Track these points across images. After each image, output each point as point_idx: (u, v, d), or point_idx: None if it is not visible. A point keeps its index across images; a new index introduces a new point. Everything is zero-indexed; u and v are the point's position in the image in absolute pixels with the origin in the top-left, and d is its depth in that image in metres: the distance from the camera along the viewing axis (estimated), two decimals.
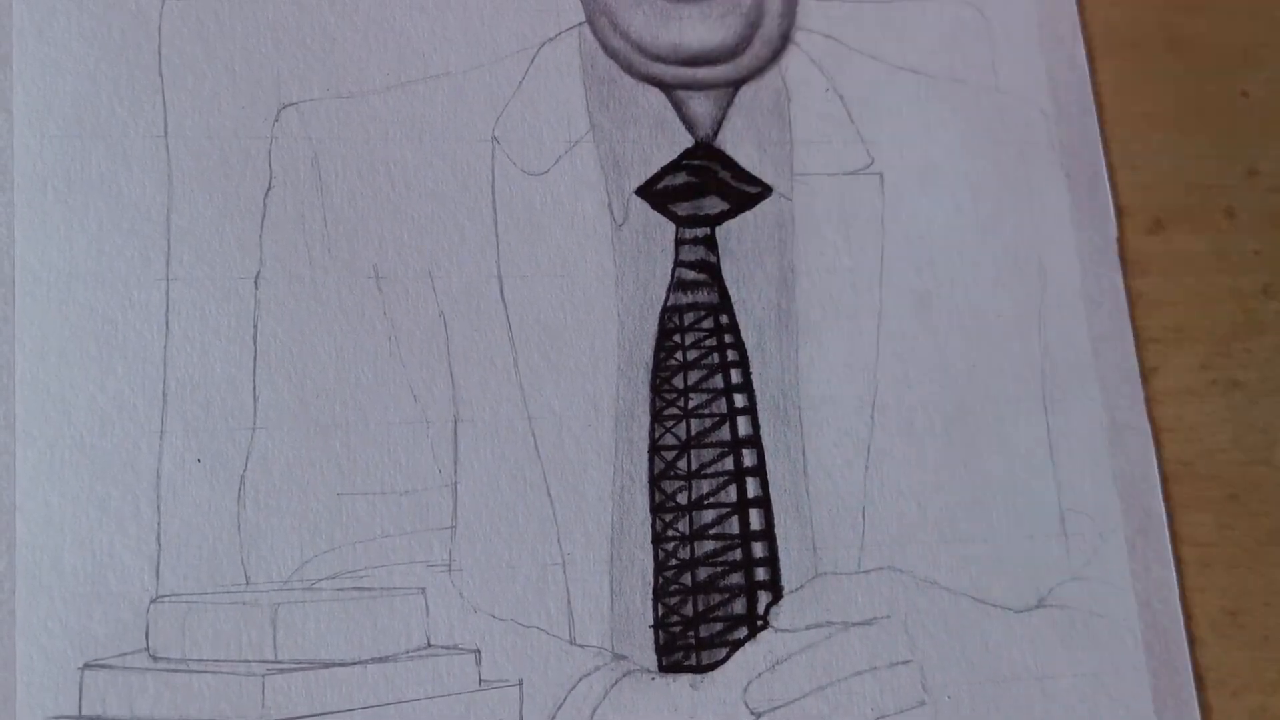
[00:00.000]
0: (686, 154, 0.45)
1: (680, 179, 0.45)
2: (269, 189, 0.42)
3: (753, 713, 0.41)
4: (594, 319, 0.43)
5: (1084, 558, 0.45)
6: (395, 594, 0.40)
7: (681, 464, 0.43)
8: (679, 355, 0.44)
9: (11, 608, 0.38)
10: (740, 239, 0.45)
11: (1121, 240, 0.49)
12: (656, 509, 0.42)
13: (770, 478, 0.43)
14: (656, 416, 0.43)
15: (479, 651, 0.40)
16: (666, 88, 0.45)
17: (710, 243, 0.44)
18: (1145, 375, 0.47)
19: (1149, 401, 0.47)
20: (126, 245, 0.40)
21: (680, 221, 0.44)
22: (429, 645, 0.40)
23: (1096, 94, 0.50)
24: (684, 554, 0.42)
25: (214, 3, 0.42)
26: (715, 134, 0.46)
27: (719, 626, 0.42)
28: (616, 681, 0.41)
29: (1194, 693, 0.44)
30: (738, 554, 0.43)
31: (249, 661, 0.39)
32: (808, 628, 0.42)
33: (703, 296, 0.44)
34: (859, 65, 0.48)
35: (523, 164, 0.44)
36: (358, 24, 0.43)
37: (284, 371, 0.41)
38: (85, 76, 0.41)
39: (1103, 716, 0.43)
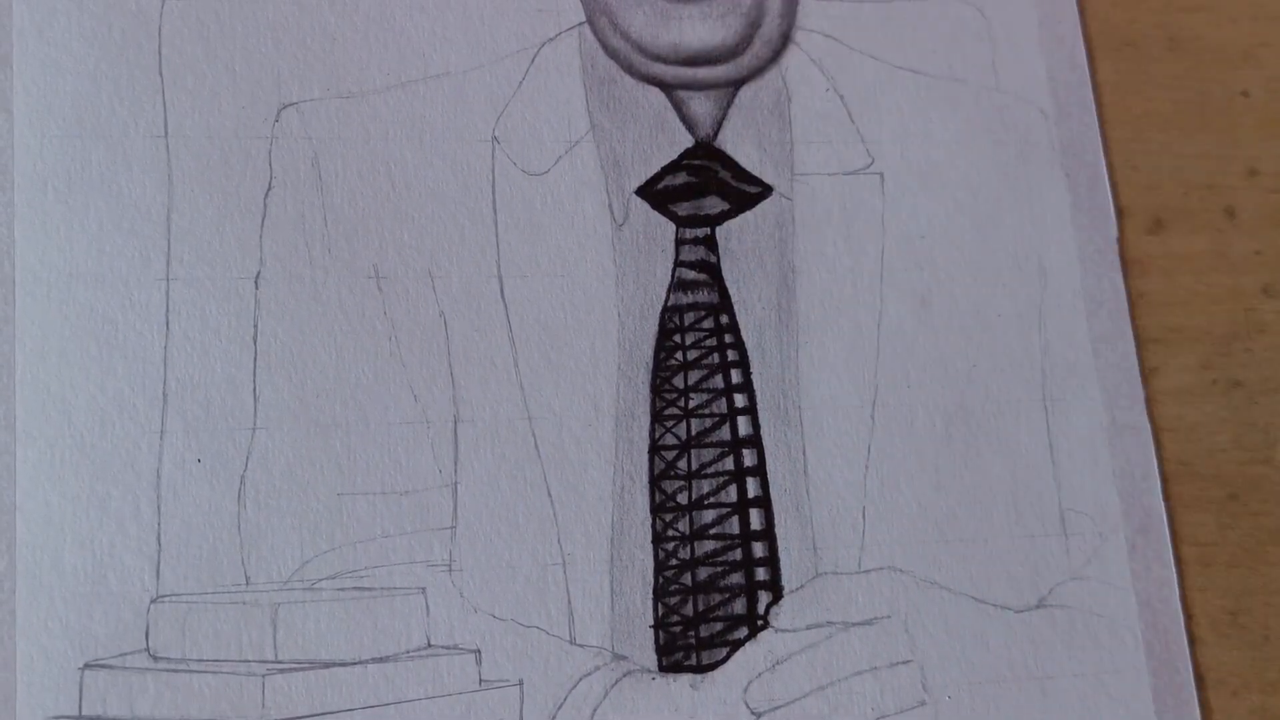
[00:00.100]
0: (687, 154, 0.45)
1: (680, 179, 0.45)
2: (269, 189, 0.42)
3: (753, 713, 0.41)
4: (594, 319, 0.43)
5: (1084, 558, 0.45)
6: (395, 594, 0.40)
7: (682, 464, 0.43)
8: (679, 355, 0.44)
9: (11, 608, 0.38)
10: (740, 239, 0.45)
11: (1121, 240, 0.49)
12: (657, 509, 0.42)
13: (770, 478, 0.43)
14: (657, 416, 0.43)
15: (479, 651, 0.40)
16: (666, 88, 0.45)
17: (710, 243, 0.44)
18: (1145, 375, 0.47)
19: (1149, 401, 0.47)
20: (126, 245, 0.40)
21: (680, 221, 0.44)
22: (429, 645, 0.40)
23: (1096, 94, 0.50)
24: (684, 554, 0.42)
25: (214, 3, 0.42)
26: (715, 134, 0.46)
27: (719, 626, 0.42)
28: (616, 681, 0.41)
29: (1194, 693, 0.44)
30: (738, 554, 0.43)
31: (249, 661, 0.39)
32: (808, 628, 0.42)
33: (703, 296, 0.44)
34: (859, 65, 0.48)
35: (523, 164, 0.44)
36: (358, 24, 0.43)
37: (284, 371, 0.41)
38: (85, 76, 0.41)
39: (1103, 716, 0.43)
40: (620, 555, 0.42)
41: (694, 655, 0.42)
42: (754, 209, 0.45)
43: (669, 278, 0.44)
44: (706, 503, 0.43)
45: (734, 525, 0.43)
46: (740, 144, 0.46)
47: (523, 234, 0.43)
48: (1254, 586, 0.46)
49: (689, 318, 0.44)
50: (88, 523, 0.39)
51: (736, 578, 0.43)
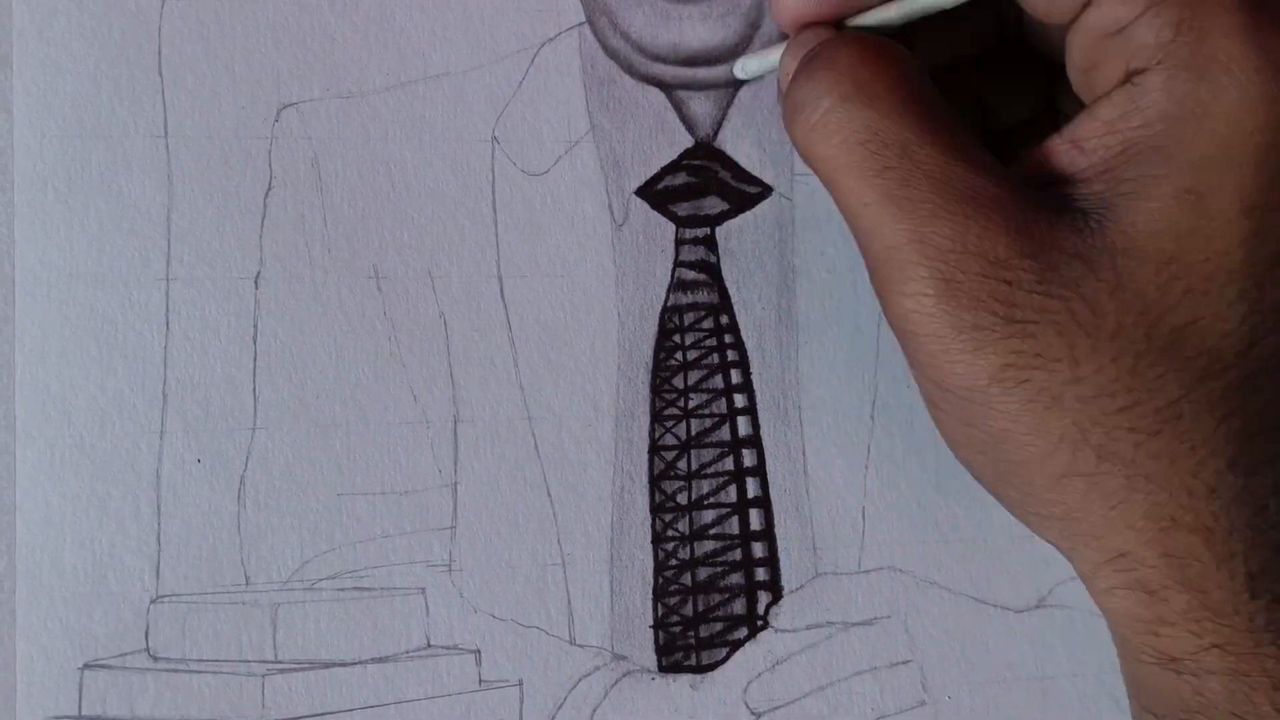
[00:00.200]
0: (686, 154, 0.45)
1: (680, 179, 0.45)
2: (269, 189, 0.42)
3: (753, 713, 0.41)
4: (594, 319, 0.43)
5: None
6: (395, 594, 0.40)
7: (681, 464, 0.43)
8: (679, 355, 0.44)
9: (11, 608, 0.38)
10: (740, 239, 0.45)
11: None
12: (656, 509, 0.42)
13: (770, 478, 0.43)
14: (656, 416, 0.43)
15: (479, 651, 0.40)
16: (666, 88, 0.45)
17: (710, 243, 0.44)
18: None
19: None
20: (126, 245, 0.40)
21: (680, 221, 0.44)
22: (429, 645, 0.40)
23: None
24: (684, 554, 0.42)
25: (214, 3, 0.42)
26: (715, 134, 0.46)
27: (719, 626, 0.42)
28: (616, 681, 0.41)
29: None
30: (738, 554, 0.43)
31: (249, 661, 0.39)
32: (808, 628, 0.42)
33: (703, 296, 0.44)
34: None
35: (523, 164, 0.44)
36: (358, 24, 0.43)
37: (284, 371, 0.41)
38: (85, 76, 0.41)
39: (1103, 716, 0.43)
40: (620, 555, 0.42)
41: (694, 655, 0.42)
42: (754, 209, 0.45)
43: (669, 278, 0.44)
44: (706, 503, 0.43)
45: (734, 525, 0.43)
46: (740, 144, 0.46)
47: (522, 234, 0.43)
48: None
49: (689, 318, 0.44)
50: (88, 523, 0.39)
51: (736, 578, 0.43)
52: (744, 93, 0.46)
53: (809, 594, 0.43)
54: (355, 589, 0.40)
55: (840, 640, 0.42)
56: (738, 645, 0.42)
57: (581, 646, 0.41)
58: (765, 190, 0.46)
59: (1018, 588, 0.44)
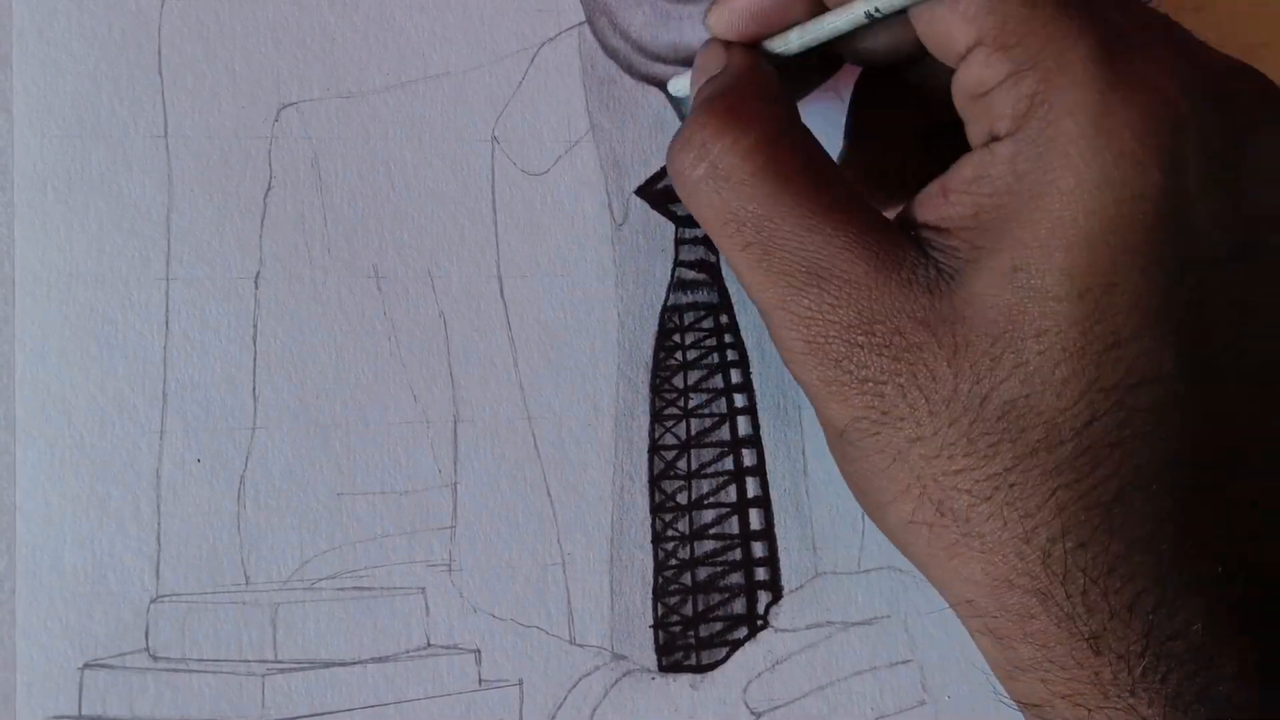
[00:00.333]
0: None
1: None
2: (269, 189, 0.42)
3: (753, 712, 0.41)
4: (594, 319, 0.43)
5: None
6: (395, 594, 0.40)
7: (681, 464, 0.43)
8: (679, 355, 0.44)
9: (11, 608, 0.38)
10: None
11: None
12: (656, 509, 0.42)
13: (770, 478, 0.43)
14: (656, 416, 0.43)
15: (479, 651, 0.40)
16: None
17: (710, 242, 0.44)
18: None
19: None
20: (126, 245, 0.40)
21: (680, 221, 0.44)
22: (429, 645, 0.40)
23: None
24: (684, 554, 0.42)
25: (214, 3, 0.42)
26: None
27: (719, 626, 0.42)
28: (616, 681, 0.41)
29: None
30: (738, 554, 0.43)
31: (249, 661, 0.39)
32: (808, 627, 0.42)
33: (703, 296, 0.44)
34: None
35: (523, 164, 0.44)
36: (358, 24, 0.43)
37: (284, 371, 0.41)
38: (85, 76, 0.41)
39: None
40: (620, 555, 0.42)
41: (694, 655, 0.42)
42: None
43: (669, 277, 0.44)
44: (706, 502, 0.43)
45: (734, 525, 0.43)
46: None
47: (522, 234, 0.43)
48: None
49: (689, 317, 0.44)
50: (88, 523, 0.39)
51: (736, 578, 0.43)
52: None
53: (809, 594, 0.43)
54: (355, 589, 0.40)
55: (840, 640, 0.42)
56: (738, 645, 0.42)
57: (581, 646, 0.41)
58: None
59: None
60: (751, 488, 0.43)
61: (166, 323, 0.40)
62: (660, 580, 0.42)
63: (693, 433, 0.43)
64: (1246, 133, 0.33)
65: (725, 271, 0.44)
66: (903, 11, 0.35)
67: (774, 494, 0.43)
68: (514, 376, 0.42)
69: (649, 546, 0.42)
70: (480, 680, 0.40)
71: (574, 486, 0.42)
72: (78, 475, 0.39)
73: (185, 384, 0.40)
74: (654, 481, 0.43)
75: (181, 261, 0.41)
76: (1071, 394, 0.32)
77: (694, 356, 0.44)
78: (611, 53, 0.45)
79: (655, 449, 0.43)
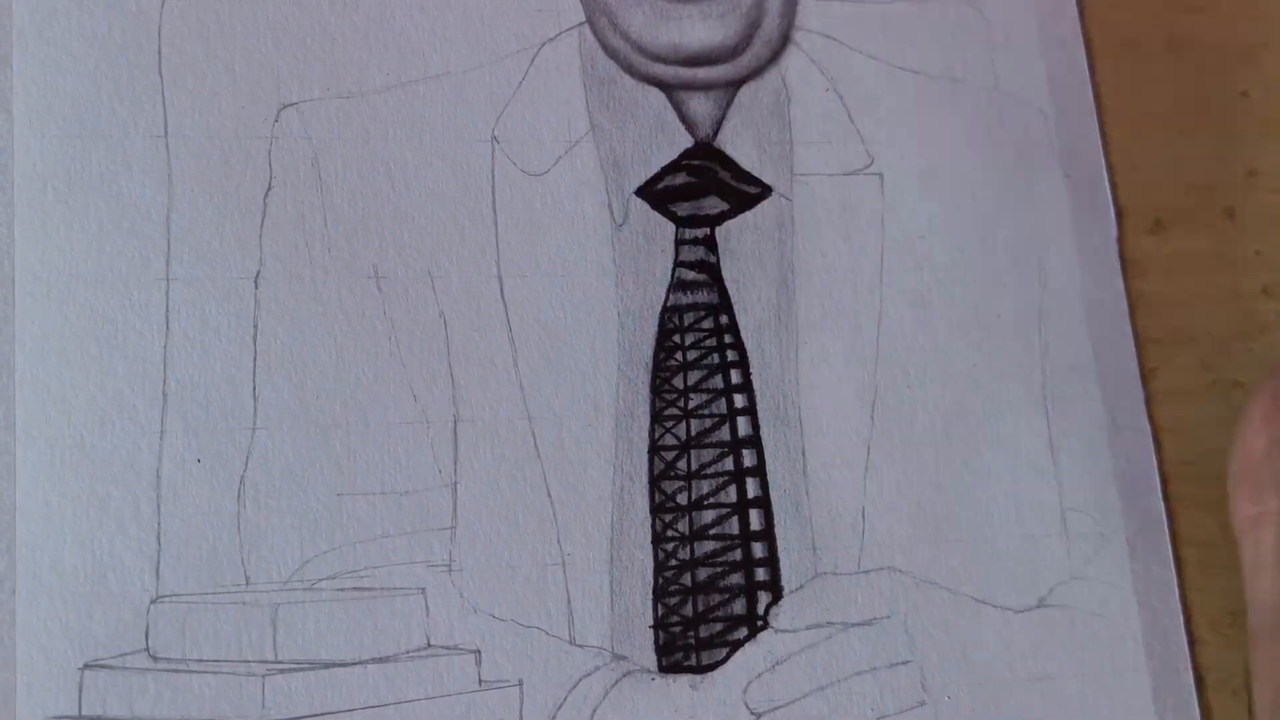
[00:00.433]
0: (686, 154, 0.45)
1: (680, 179, 0.45)
2: (269, 189, 0.42)
3: (753, 713, 0.41)
4: (594, 319, 0.43)
5: (1084, 558, 0.45)
6: (395, 594, 0.40)
7: (681, 464, 0.43)
8: (679, 355, 0.44)
9: (11, 608, 0.38)
10: (740, 239, 0.45)
11: (1121, 241, 0.49)
12: (656, 509, 0.42)
13: (770, 478, 0.43)
14: (656, 417, 0.43)
15: (479, 651, 0.40)
16: (666, 88, 0.45)
17: (710, 243, 0.45)
18: (1145, 375, 0.47)
19: (1149, 402, 0.47)
20: (126, 245, 0.40)
21: (680, 221, 0.44)
22: (429, 645, 0.40)
23: (1096, 94, 0.50)
24: (684, 554, 0.42)
25: (214, 3, 0.42)
26: (715, 134, 0.46)
27: (719, 627, 0.42)
28: (616, 682, 0.41)
29: (1194, 693, 0.44)
30: (738, 554, 0.43)
31: (249, 661, 0.39)
32: (808, 628, 0.42)
33: (703, 296, 0.44)
34: (859, 65, 0.48)
35: (523, 164, 0.44)
36: (358, 24, 0.43)
37: (284, 371, 0.41)
38: (85, 76, 0.41)
39: (1103, 716, 0.43)
40: (620, 555, 0.42)
41: (694, 655, 0.42)
42: (754, 209, 0.45)
43: (669, 278, 0.44)
44: (706, 503, 0.43)
45: (734, 526, 0.43)
46: (740, 144, 0.46)
47: (522, 234, 0.43)
48: None
49: (689, 318, 0.44)
50: (88, 523, 0.39)
51: (736, 578, 0.43)
52: (744, 93, 0.46)
53: (809, 594, 0.43)
54: (355, 589, 0.40)
55: (840, 640, 0.42)
56: (738, 645, 0.42)
57: (581, 646, 0.41)
58: (765, 190, 0.46)
59: (1018, 588, 0.44)
60: (751, 488, 0.43)
61: (166, 323, 0.40)
62: (660, 581, 0.42)
63: (693, 433, 0.43)
64: None
65: (725, 271, 0.44)
66: None
67: (774, 494, 0.43)
68: (514, 376, 0.42)
69: (649, 547, 0.42)
70: (480, 681, 0.40)
71: (574, 487, 0.42)
72: (78, 475, 0.39)
73: (185, 384, 0.40)
74: (654, 482, 0.43)
75: (181, 262, 0.41)
76: None
77: (694, 357, 0.44)
78: (611, 53, 0.45)
79: (655, 449, 0.43)
